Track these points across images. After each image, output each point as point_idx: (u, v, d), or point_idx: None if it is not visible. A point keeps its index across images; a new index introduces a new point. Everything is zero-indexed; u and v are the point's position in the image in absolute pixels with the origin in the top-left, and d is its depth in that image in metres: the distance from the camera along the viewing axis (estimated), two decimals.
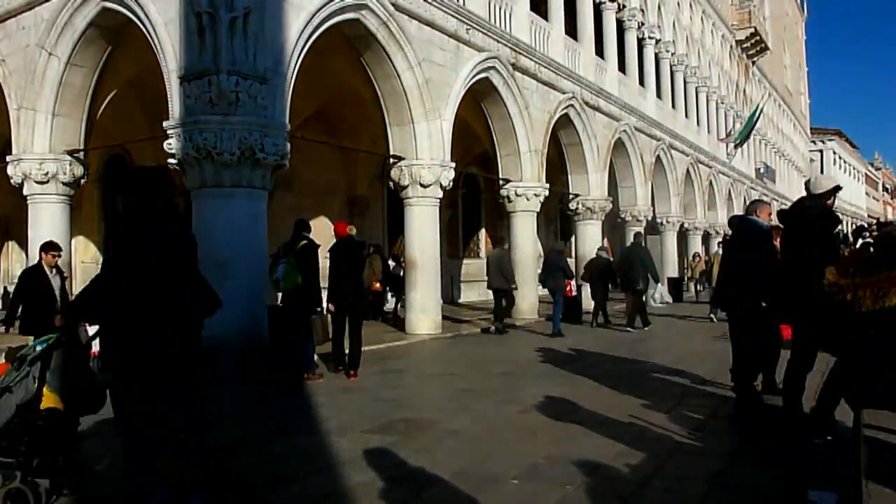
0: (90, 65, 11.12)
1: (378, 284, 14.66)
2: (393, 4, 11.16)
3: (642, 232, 17.24)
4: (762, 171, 39.52)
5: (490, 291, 13.60)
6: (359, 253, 8.84)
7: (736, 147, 32.79)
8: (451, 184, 12.63)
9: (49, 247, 8.25)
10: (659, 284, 17.15)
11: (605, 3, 19.92)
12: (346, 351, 8.38)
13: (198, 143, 8.49)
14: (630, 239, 19.74)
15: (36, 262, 8.53)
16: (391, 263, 15.88)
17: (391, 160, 12.31)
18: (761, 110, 34.26)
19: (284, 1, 9.30)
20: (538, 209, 15.59)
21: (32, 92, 11.02)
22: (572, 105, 17.00)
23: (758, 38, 36.43)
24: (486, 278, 13.40)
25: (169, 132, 8.84)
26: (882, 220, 66.36)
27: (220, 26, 8.47)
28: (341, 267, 8.27)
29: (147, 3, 9.28)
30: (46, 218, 11.32)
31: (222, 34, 8.46)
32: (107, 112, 12.45)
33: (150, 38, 9.34)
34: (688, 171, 26.09)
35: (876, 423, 3.47)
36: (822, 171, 69.17)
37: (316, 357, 8.37)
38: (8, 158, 11.32)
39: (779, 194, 44.75)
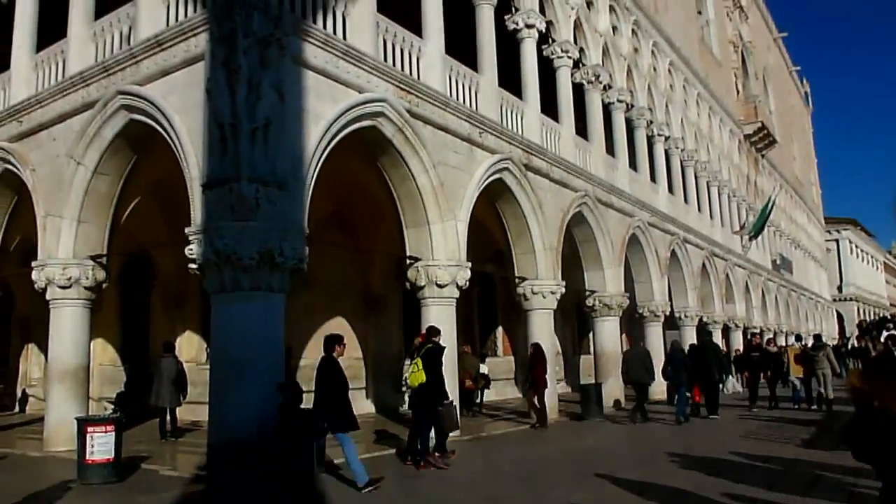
0: (116, 172, 11.44)
1: (470, 382, 15.45)
2: (408, 111, 11.54)
3: (710, 331, 20.36)
4: (778, 262, 39.43)
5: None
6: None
7: (751, 239, 32.89)
8: (468, 283, 12.67)
9: (339, 339, 8.42)
10: (730, 376, 17.71)
11: (613, 103, 20.48)
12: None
13: (218, 247, 8.63)
14: (647, 335, 19.78)
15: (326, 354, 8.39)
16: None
17: (407, 260, 12.42)
18: (774, 202, 34.52)
19: (303, 111, 9.65)
20: (555, 306, 15.55)
21: (59, 199, 11.32)
22: (585, 203, 17.22)
23: (765, 131, 37.12)
24: (509, 377, 13.58)
25: (190, 238, 9.02)
26: None
27: (241, 136, 8.74)
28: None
29: (172, 114, 9.67)
30: (67, 322, 11.41)
31: (244, 144, 8.74)
32: (129, 215, 12.74)
33: (174, 148, 9.67)
34: (703, 264, 26.05)
35: None
36: (839, 261, 69.04)
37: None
38: (33, 264, 11.52)
39: (797, 285, 44.45)
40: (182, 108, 9.57)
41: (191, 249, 9.00)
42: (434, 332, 9.81)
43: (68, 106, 11.37)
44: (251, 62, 8.85)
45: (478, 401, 16.95)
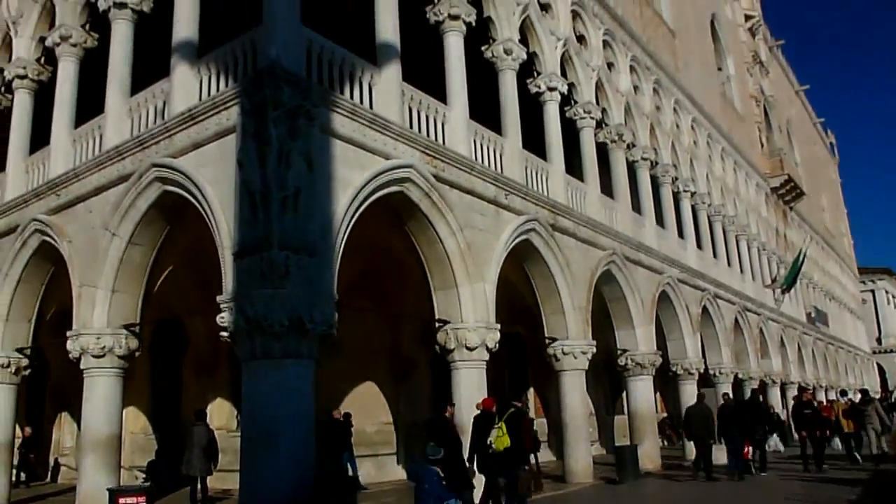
0: (149, 243, 11.63)
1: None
2: (434, 176, 11.68)
3: (757, 388, 20.63)
4: (813, 315, 38.65)
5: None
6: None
7: (783, 292, 32.34)
8: (497, 345, 12.58)
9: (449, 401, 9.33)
10: (774, 434, 17.58)
11: (638, 161, 20.53)
12: None
13: (249, 315, 8.71)
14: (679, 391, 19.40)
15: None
16: None
17: (436, 323, 12.39)
18: (805, 255, 34.04)
19: (332, 178, 9.82)
20: (586, 367, 15.33)
21: (94, 270, 11.52)
22: (613, 261, 17.13)
23: (792, 184, 36.88)
24: (542, 439, 13.40)
25: (222, 306, 9.11)
26: None
27: (272, 205, 8.91)
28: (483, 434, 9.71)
29: (204, 185, 9.89)
30: (100, 391, 11.45)
31: (274, 212, 8.90)
32: (161, 284, 12.90)
33: (206, 217, 9.86)
34: (736, 319, 25.64)
35: None
36: (876, 312, 67.49)
37: None
38: (68, 334, 11.67)
39: (834, 338, 43.45)
40: (214, 178, 9.80)
41: (222, 317, 9.09)
42: (516, 397, 10.13)
43: (104, 179, 11.66)
44: (281, 133, 9.09)
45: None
